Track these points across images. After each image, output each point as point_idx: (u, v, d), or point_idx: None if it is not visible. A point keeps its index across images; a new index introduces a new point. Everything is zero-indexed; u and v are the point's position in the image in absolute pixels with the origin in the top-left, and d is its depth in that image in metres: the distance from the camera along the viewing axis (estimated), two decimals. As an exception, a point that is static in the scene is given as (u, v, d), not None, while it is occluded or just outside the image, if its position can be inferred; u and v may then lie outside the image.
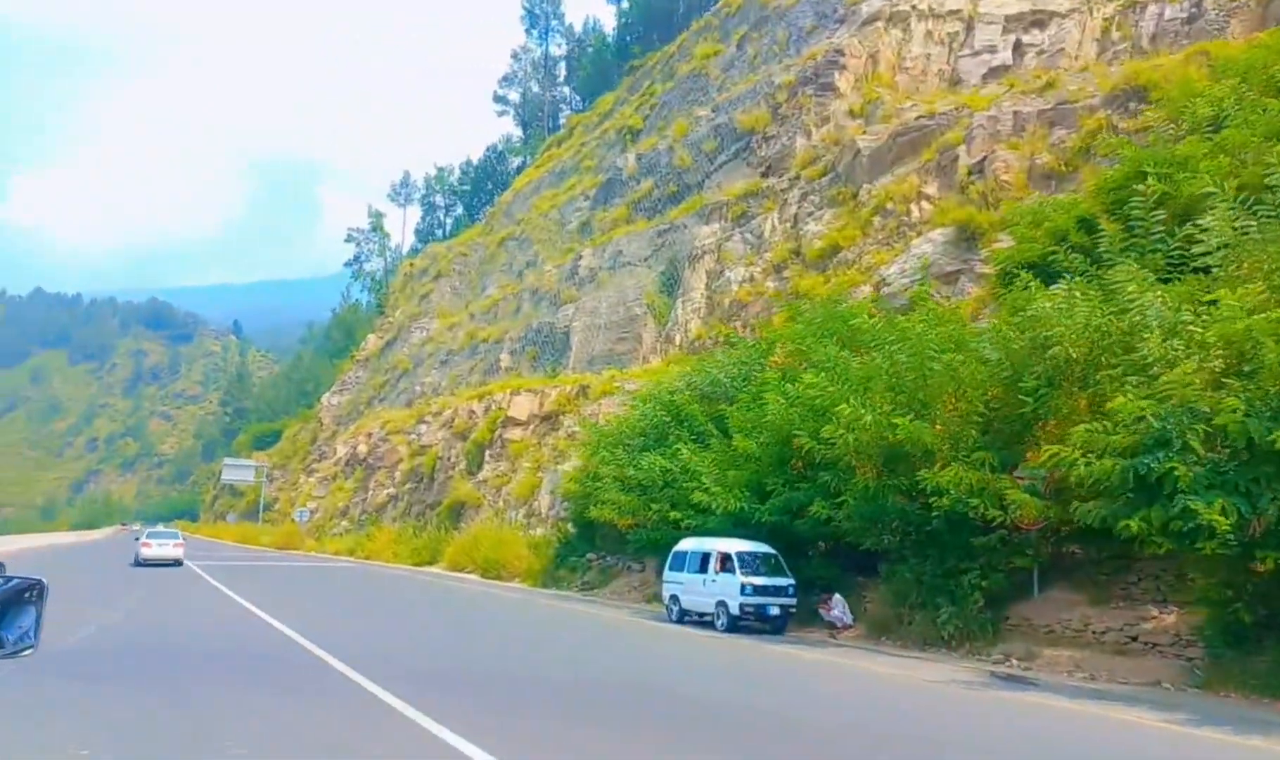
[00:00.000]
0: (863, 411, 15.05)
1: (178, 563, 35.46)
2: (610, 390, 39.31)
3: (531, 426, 43.52)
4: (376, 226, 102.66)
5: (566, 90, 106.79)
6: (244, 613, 19.12)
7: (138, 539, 40.48)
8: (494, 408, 46.84)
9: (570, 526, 32.29)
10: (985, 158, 31.33)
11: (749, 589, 17.35)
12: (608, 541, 29.90)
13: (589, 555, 30.08)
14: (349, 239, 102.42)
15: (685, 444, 22.86)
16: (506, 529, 37.07)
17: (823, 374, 17.04)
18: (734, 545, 18.24)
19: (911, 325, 17.28)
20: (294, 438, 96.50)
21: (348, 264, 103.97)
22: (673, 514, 21.81)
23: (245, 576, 31.34)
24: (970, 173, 31.66)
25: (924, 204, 33.08)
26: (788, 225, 39.50)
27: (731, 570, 17.74)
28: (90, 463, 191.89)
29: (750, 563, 17.84)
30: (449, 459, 49.76)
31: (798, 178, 40.64)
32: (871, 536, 16.62)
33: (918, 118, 35.91)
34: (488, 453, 45.44)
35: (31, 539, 69.20)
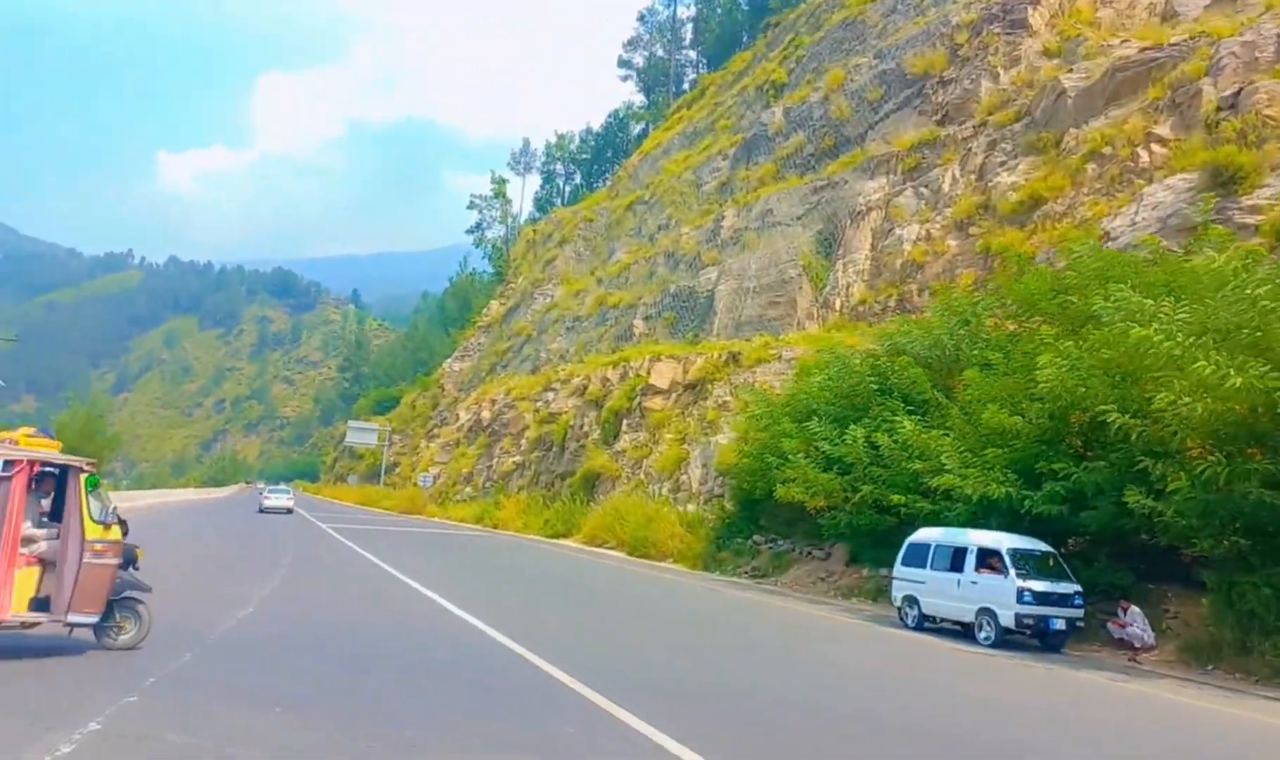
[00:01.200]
0: (1230, 373, 11.18)
1: (289, 511, 47.27)
2: (765, 358, 35.87)
3: (674, 395, 40.47)
4: (499, 193, 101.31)
5: (692, 53, 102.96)
6: (409, 592, 16.68)
7: (260, 493, 57.38)
8: (631, 375, 44.01)
9: (730, 504, 29.13)
10: (1240, 90, 26.36)
11: (1028, 596, 13.74)
12: (775, 522, 26.63)
13: (754, 538, 26.85)
14: (471, 206, 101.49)
15: (902, 415, 19.27)
16: (652, 504, 34.15)
17: (1132, 329, 13.10)
18: (1003, 540, 14.62)
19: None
20: (412, 403, 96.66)
21: (469, 231, 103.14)
22: (894, 498, 18.29)
23: (386, 542, 29.41)
24: (1219, 109, 26.73)
25: (1155, 147, 28.29)
26: (972, 177, 35.09)
27: (1002, 571, 14.15)
28: (218, 423, 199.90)
29: (1025, 563, 14.21)
30: (581, 427, 47.27)
31: (983, 124, 36.11)
32: (1208, 536, 12.76)
33: (1143, 50, 30.96)
34: (625, 422, 42.67)
35: (165, 495, 70.66)
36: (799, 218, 43.21)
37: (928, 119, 39.67)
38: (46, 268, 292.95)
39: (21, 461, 8.76)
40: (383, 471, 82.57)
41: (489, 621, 12.78)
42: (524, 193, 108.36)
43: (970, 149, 35.91)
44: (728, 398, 35.75)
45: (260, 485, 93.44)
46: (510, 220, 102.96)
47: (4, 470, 8.54)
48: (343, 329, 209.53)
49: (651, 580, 23.71)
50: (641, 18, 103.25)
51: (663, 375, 41.22)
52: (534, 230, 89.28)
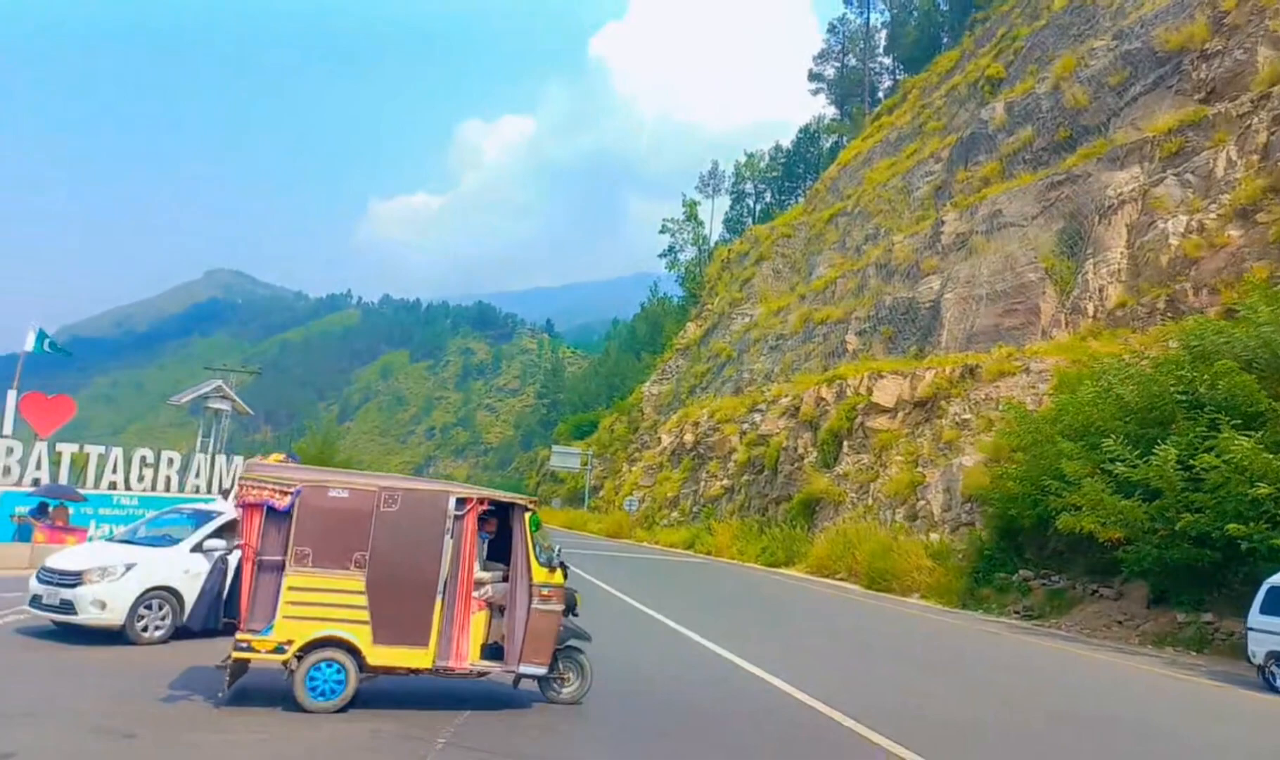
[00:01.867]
0: None
1: None
2: (1008, 370, 32.71)
3: (901, 414, 37.78)
4: (690, 215, 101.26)
5: (886, 61, 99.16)
6: (663, 628, 15.48)
7: None
8: (849, 393, 41.64)
9: (986, 534, 26.35)
10: None
11: None
12: (1044, 555, 23.72)
13: (1021, 572, 23.99)
14: (663, 230, 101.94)
15: (1228, 431, 16.27)
16: (885, 532, 31.71)
17: None
18: None
19: None
20: (610, 427, 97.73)
21: (661, 255, 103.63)
22: (1232, 529, 15.38)
23: (611, 569, 28.73)
24: None
25: None
26: (1254, 157, 30.60)
27: None
28: (429, 449, 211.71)
29: None
30: (794, 450, 45.27)
31: (1264, 97, 31.51)
32: None
33: None
34: (845, 443, 40.33)
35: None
36: (1033, 217, 39.55)
37: (1187, 98, 35.25)
38: (278, 310, 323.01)
39: (472, 499, 8.62)
40: (586, 495, 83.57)
41: (770, 669, 11.29)
42: (713, 214, 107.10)
43: (1249, 126, 31.37)
44: (968, 416, 32.85)
45: None
46: (702, 242, 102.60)
47: (457, 509, 8.43)
48: (538, 358, 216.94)
49: (913, 619, 21.48)
50: (832, 29, 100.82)
51: (887, 393, 38.64)
52: (728, 250, 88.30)
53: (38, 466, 27.19)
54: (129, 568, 11.63)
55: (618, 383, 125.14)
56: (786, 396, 49.86)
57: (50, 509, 23.78)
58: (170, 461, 31.39)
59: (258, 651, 8.00)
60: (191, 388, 38.90)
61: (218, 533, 12.37)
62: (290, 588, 8.02)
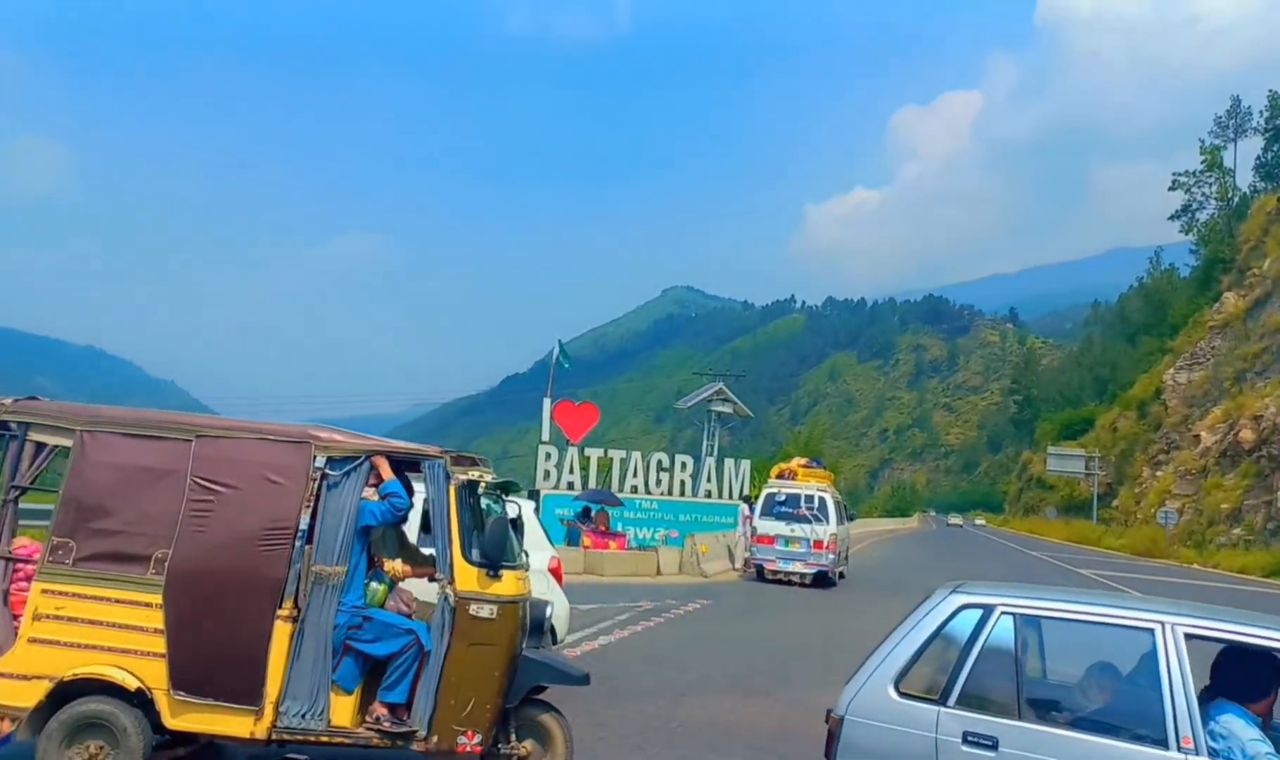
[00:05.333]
0: None
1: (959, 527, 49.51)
2: None
3: None
4: (1212, 164, 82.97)
5: None
6: None
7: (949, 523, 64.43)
8: None
9: None
10: None
11: None
12: None
13: None
14: (1174, 186, 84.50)
15: None
16: None
17: None
18: None
19: None
20: (1112, 426, 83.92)
21: (1173, 216, 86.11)
22: None
23: None
24: None
25: None
26: None
27: None
28: (883, 453, 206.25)
29: None
30: None
31: None
32: None
33: None
34: None
35: (872, 524, 70.85)
36: None
37: None
38: (728, 320, 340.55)
39: (360, 455, 5.76)
40: (1095, 504, 71.96)
41: None
42: (1237, 162, 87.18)
43: None
44: None
45: (953, 517, 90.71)
46: (1229, 195, 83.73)
47: (332, 468, 5.65)
48: (1003, 351, 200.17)
49: None
50: None
51: None
52: (1277, 199, 70.42)
53: (570, 471, 27.61)
54: None
55: (1108, 374, 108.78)
56: None
57: (593, 513, 23.77)
58: (684, 465, 30.50)
59: None
60: (695, 392, 38.41)
61: None
62: (42, 595, 5.35)
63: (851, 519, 37.00)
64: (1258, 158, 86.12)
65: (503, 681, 5.49)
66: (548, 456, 27.54)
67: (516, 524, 9.57)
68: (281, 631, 5.35)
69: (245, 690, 5.29)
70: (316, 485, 5.56)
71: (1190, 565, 46.78)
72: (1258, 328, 61.20)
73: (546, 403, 29.26)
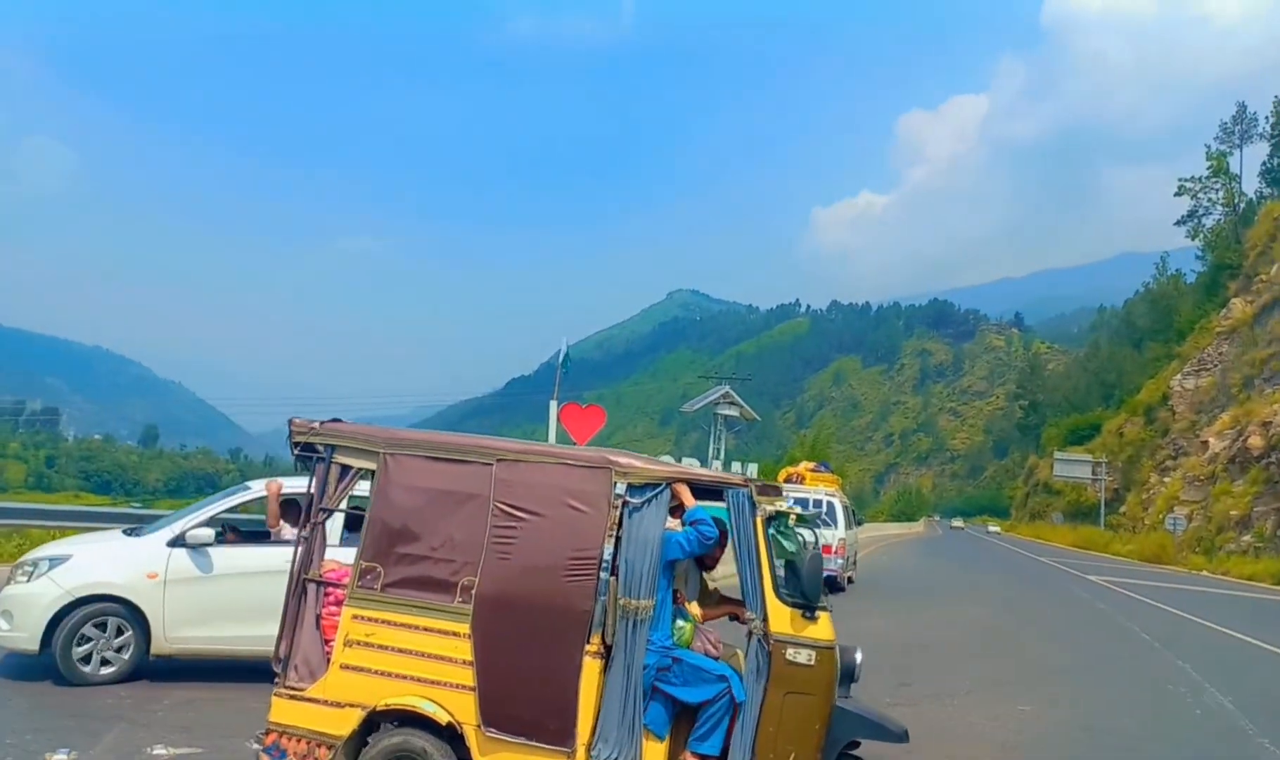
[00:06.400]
0: None
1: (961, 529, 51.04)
2: None
3: None
4: (1218, 169, 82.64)
5: None
6: None
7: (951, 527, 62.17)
8: None
9: None
10: None
11: None
12: None
13: None
14: (1179, 192, 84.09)
15: None
16: None
17: None
18: None
19: None
20: (1119, 431, 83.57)
21: (1178, 222, 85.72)
22: None
23: None
24: None
25: None
26: None
27: None
28: (888, 457, 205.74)
29: None
30: None
31: None
32: None
33: None
34: None
35: (878, 528, 70.60)
36: None
37: None
38: (733, 323, 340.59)
39: (666, 480, 5.47)
40: (1102, 510, 71.65)
41: None
42: (1243, 167, 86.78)
43: None
44: None
45: (954, 521, 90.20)
46: (1236, 201, 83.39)
47: (632, 495, 5.37)
48: (1008, 355, 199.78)
49: None
50: None
51: None
52: (1282, 206, 70.16)
53: None
54: (54, 563, 8.17)
55: (1114, 379, 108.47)
56: None
57: None
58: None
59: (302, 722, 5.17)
60: (701, 396, 38.25)
61: (214, 521, 8.73)
62: (353, 621, 5.25)
63: (860, 524, 36.83)
64: (1264, 163, 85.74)
65: (822, 735, 5.15)
66: (555, 459, 27.32)
67: None
68: (590, 668, 5.08)
69: (557, 730, 5.04)
70: (618, 513, 5.28)
71: (1199, 572, 46.46)
72: (1265, 334, 60.86)
73: (553, 405, 29.08)
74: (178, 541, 8.27)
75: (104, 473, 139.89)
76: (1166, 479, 64.07)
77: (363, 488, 9.45)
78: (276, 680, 5.34)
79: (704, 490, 5.55)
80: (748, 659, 5.28)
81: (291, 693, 5.26)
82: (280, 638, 5.44)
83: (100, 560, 8.22)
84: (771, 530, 5.44)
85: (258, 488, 8.82)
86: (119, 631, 8.07)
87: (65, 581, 7.96)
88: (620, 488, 5.31)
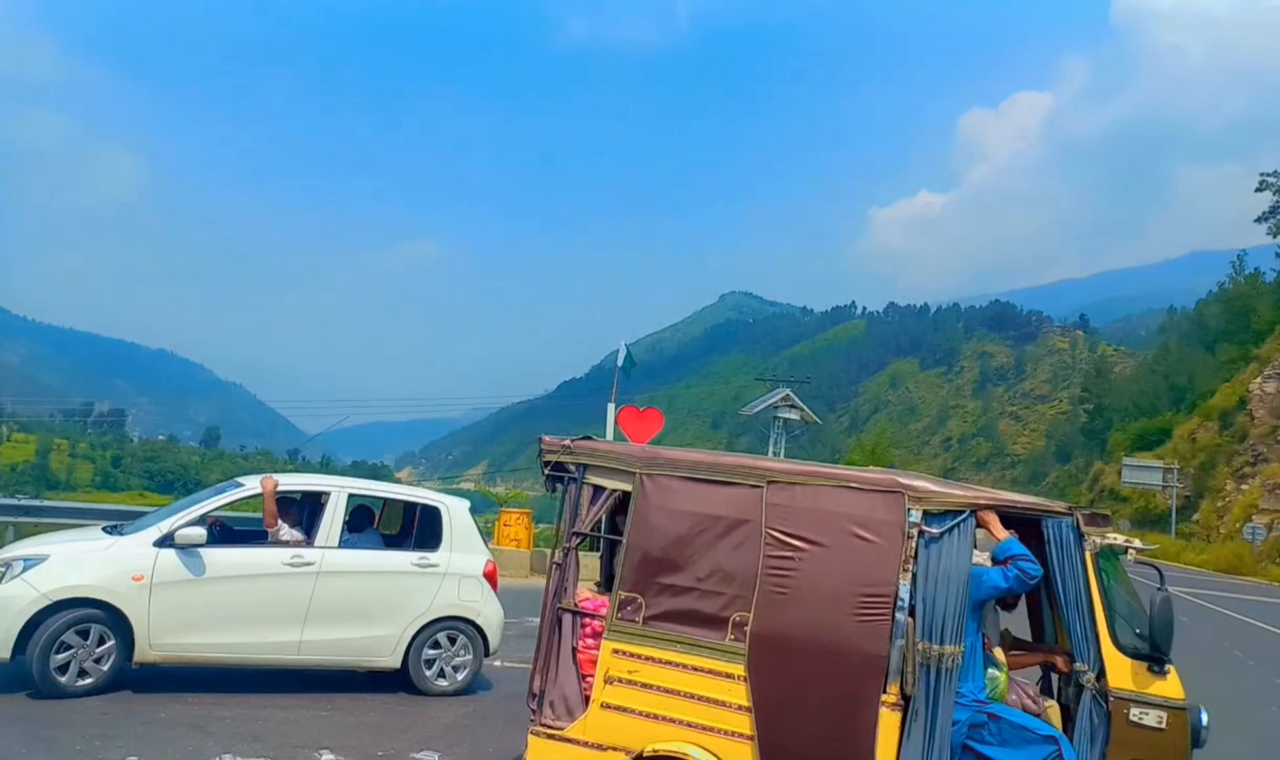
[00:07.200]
0: None
1: None
2: None
3: None
4: (1304, 164, 79.50)
5: None
6: None
7: None
8: None
9: None
10: None
11: None
12: None
13: None
14: (1261, 187, 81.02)
15: None
16: None
17: None
18: None
19: None
20: (1191, 436, 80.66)
21: (1259, 219, 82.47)
22: None
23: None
24: None
25: None
26: None
27: None
28: (946, 461, 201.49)
29: None
30: None
31: None
32: None
33: None
34: None
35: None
36: None
37: None
38: (786, 326, 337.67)
39: (971, 504, 4.92)
40: (1173, 518, 69.24)
41: None
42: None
43: None
44: None
45: None
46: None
47: (930, 523, 4.82)
48: (1072, 358, 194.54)
49: None
50: None
51: None
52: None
53: None
54: (29, 564, 7.47)
55: (1185, 382, 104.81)
56: None
57: None
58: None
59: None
60: (760, 398, 37.78)
61: (209, 521, 8.12)
62: (613, 656, 4.92)
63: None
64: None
65: None
66: (613, 463, 27.07)
67: (437, 521, 8.92)
68: (888, 721, 4.57)
69: None
70: (913, 545, 4.74)
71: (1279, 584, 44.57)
72: (1353, 335, 58.28)
73: (611, 408, 28.87)
74: (165, 541, 7.74)
75: (167, 473, 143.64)
76: (1244, 486, 61.64)
77: (363, 488, 9.27)
78: (532, 717, 5.06)
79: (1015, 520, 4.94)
80: (1079, 718, 4.64)
81: (549, 732, 4.96)
82: (534, 671, 5.14)
83: (80, 561, 7.58)
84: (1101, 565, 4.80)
85: (252, 485, 8.37)
86: (101, 639, 7.49)
87: (41, 584, 7.32)
88: (915, 515, 4.78)
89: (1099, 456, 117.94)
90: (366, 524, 9.08)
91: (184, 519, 7.92)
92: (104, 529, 8.51)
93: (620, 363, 32.84)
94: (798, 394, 38.80)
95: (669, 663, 4.83)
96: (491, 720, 8.11)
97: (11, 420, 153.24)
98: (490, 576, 9.11)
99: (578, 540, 5.31)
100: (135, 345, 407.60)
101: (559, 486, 5.34)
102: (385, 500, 9.67)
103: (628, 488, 5.14)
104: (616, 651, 4.91)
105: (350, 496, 8.73)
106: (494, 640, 8.99)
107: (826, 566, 4.74)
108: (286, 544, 8.28)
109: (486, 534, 27.82)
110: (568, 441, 5.35)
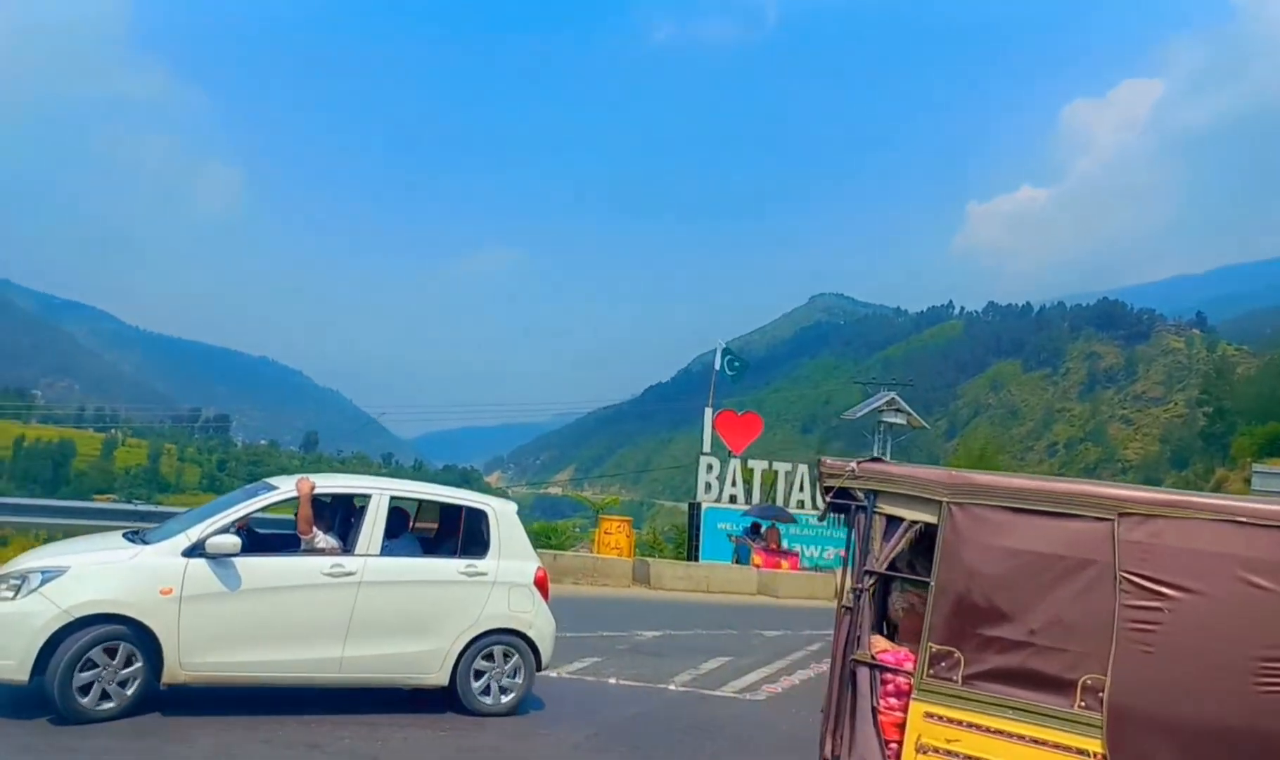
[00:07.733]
0: None
1: None
2: None
3: None
4: None
5: None
6: None
7: None
8: None
9: None
10: None
11: None
12: None
13: None
14: None
15: None
16: None
17: None
18: None
19: None
20: (1326, 441, 74.82)
21: None
22: None
23: None
24: None
25: None
26: None
27: None
28: (1051, 466, 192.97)
29: None
30: None
31: None
32: None
33: None
34: None
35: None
36: None
37: None
38: (879, 328, 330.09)
39: None
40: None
41: None
42: None
43: None
44: None
45: None
46: None
47: None
48: (1188, 358, 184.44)
49: None
50: None
51: None
52: None
53: (732, 484, 25.95)
54: (48, 576, 6.61)
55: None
56: None
57: (763, 529, 22.61)
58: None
59: None
60: (863, 402, 35.91)
61: (237, 527, 7.30)
62: (925, 720, 4.03)
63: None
64: None
65: None
66: (709, 468, 26.00)
67: (484, 525, 8.26)
68: None
69: None
70: None
71: None
72: None
73: (708, 412, 27.65)
74: (195, 550, 7.01)
75: (270, 476, 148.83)
76: (1399, 497, 56.43)
77: (404, 490, 8.45)
78: None
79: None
80: None
81: None
82: (825, 732, 4.58)
83: (103, 573, 6.86)
84: None
85: (286, 487, 7.74)
86: (128, 660, 6.71)
87: (62, 599, 6.55)
88: None
89: (1221, 462, 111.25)
90: (402, 528, 8.31)
91: (215, 526, 7.19)
92: (125, 536, 7.79)
93: (718, 365, 31.48)
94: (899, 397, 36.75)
95: (999, 732, 4.13)
96: (615, 747, 7.59)
97: (125, 426, 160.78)
98: (541, 584, 8.42)
99: (872, 581, 4.58)
100: (238, 353, 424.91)
101: (841, 516, 4.80)
102: (422, 502, 8.94)
103: (931, 519, 4.43)
104: (930, 715, 4.27)
105: (391, 499, 8.03)
106: (546, 654, 8.32)
107: (1209, 621, 3.88)
108: (322, 552, 7.52)
109: (587, 541, 26.93)
110: (853, 464, 4.69)
